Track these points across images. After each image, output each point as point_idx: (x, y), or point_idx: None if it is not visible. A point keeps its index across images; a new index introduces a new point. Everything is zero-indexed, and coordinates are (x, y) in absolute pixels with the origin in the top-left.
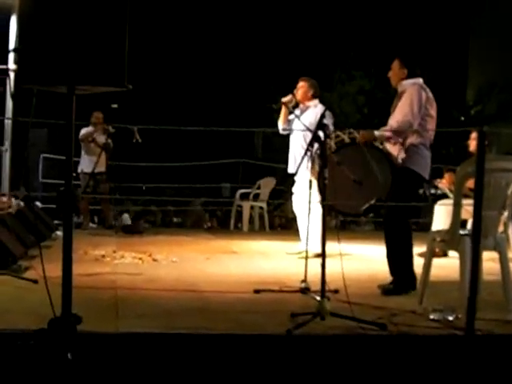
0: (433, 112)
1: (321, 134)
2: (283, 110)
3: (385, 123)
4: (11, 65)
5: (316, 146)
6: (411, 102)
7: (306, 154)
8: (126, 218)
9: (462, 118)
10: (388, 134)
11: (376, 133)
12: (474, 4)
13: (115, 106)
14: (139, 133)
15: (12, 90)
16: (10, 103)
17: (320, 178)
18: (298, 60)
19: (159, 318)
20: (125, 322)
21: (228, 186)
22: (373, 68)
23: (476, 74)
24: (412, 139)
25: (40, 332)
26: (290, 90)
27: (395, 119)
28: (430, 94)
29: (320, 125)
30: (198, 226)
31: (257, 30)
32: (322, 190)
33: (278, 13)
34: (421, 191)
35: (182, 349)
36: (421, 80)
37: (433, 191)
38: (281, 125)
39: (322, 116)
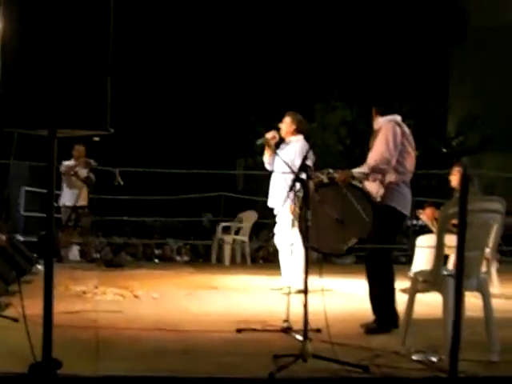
0: (410, 148)
1: (303, 175)
2: (267, 145)
3: (366, 154)
4: None
5: (298, 186)
6: (386, 139)
7: (288, 194)
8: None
9: (444, 150)
10: (366, 172)
11: (354, 171)
12: (454, 35)
13: (97, 139)
14: (121, 175)
15: None
16: None
17: (301, 219)
18: (280, 91)
19: (140, 359)
20: (105, 364)
21: (209, 217)
22: (354, 99)
23: (457, 105)
24: (391, 177)
25: (20, 377)
26: (271, 120)
27: (372, 158)
28: (407, 130)
29: (302, 166)
30: (171, 259)
31: (238, 61)
32: (304, 231)
33: (260, 44)
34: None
35: None
36: (397, 117)
37: (414, 222)
38: (266, 160)
39: (305, 157)
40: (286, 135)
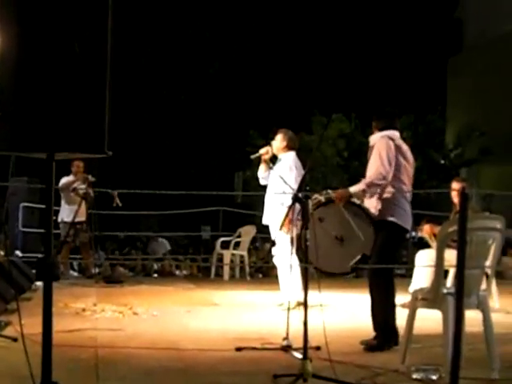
0: (405, 162)
1: (301, 195)
2: (262, 161)
3: (365, 167)
4: None
5: (297, 207)
6: (380, 155)
7: (287, 215)
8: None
9: (442, 161)
10: (363, 188)
11: (351, 190)
12: (451, 45)
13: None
14: (119, 195)
15: None
16: None
17: (301, 240)
18: (278, 104)
19: (140, 380)
20: None
21: (208, 230)
22: (353, 111)
23: (455, 116)
24: (389, 191)
25: None
26: (269, 133)
27: (368, 175)
28: (401, 142)
29: (301, 186)
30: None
31: (236, 74)
32: (304, 251)
33: (258, 57)
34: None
35: None
36: (395, 132)
37: (413, 234)
38: (260, 175)
39: (304, 177)
40: (277, 152)
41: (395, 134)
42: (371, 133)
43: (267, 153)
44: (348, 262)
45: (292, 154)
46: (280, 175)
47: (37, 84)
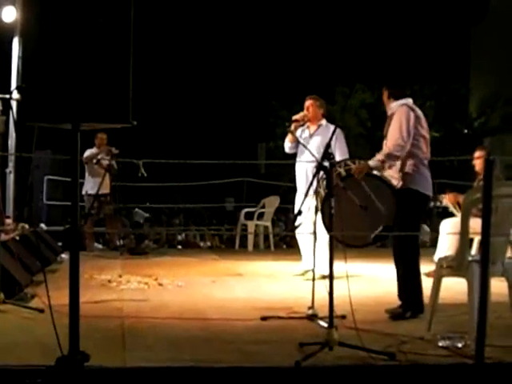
0: (424, 132)
1: (326, 163)
2: (292, 128)
3: (382, 140)
4: (14, 94)
5: (322, 174)
6: (400, 125)
7: (311, 183)
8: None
9: (466, 131)
10: (382, 159)
11: (371, 163)
12: (474, 14)
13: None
14: (144, 166)
15: (15, 117)
16: (13, 128)
17: (325, 208)
18: (300, 74)
19: (165, 349)
20: (132, 354)
21: (232, 201)
22: (375, 82)
23: (478, 85)
24: (409, 160)
25: (48, 370)
26: (292, 104)
27: (387, 146)
28: (420, 113)
29: (325, 154)
30: (195, 245)
31: (258, 45)
32: (328, 220)
33: (280, 27)
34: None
35: (189, 383)
36: (410, 100)
37: (438, 204)
38: (288, 144)
39: (328, 145)
40: (313, 119)
41: (411, 101)
42: (383, 102)
43: (303, 119)
44: (371, 232)
45: (326, 122)
46: (319, 145)
47: (60, 55)
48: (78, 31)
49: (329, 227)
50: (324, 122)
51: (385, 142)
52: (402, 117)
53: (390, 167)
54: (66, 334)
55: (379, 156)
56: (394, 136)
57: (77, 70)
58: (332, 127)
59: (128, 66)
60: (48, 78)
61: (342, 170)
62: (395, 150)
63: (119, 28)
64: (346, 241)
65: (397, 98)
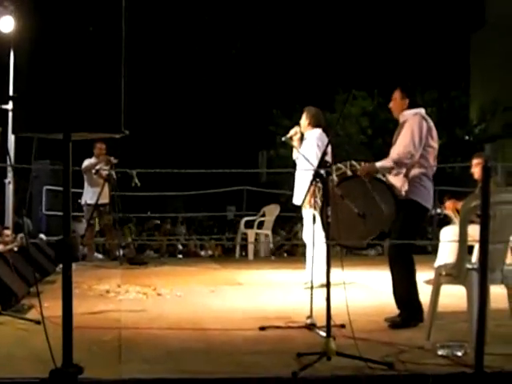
0: (433, 143)
1: (322, 171)
2: (292, 141)
3: (388, 144)
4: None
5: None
6: (412, 132)
7: (308, 190)
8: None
9: (466, 137)
10: (390, 165)
11: (378, 165)
12: (473, 20)
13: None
14: (139, 176)
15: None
16: (12, 138)
17: (323, 215)
18: (301, 83)
19: (163, 361)
20: (128, 366)
21: (233, 210)
22: (375, 89)
23: (479, 91)
24: (415, 170)
25: (41, 382)
26: (293, 112)
27: (396, 151)
28: (432, 124)
29: (321, 162)
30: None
31: (259, 53)
32: (325, 227)
33: (281, 35)
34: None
35: None
36: (422, 110)
37: (439, 211)
38: (294, 156)
39: (324, 153)
40: (304, 130)
41: (423, 111)
42: (391, 102)
43: (296, 133)
44: (366, 238)
45: (317, 131)
46: (302, 153)
47: (52, 65)
48: (68, 41)
49: (326, 234)
50: (311, 132)
51: (392, 149)
52: (414, 125)
53: (396, 174)
54: (61, 346)
55: (387, 161)
56: (404, 142)
57: (67, 79)
58: (312, 138)
59: (119, 75)
60: (38, 87)
61: (347, 170)
62: (405, 156)
63: (110, 36)
64: (342, 242)
65: (412, 107)
